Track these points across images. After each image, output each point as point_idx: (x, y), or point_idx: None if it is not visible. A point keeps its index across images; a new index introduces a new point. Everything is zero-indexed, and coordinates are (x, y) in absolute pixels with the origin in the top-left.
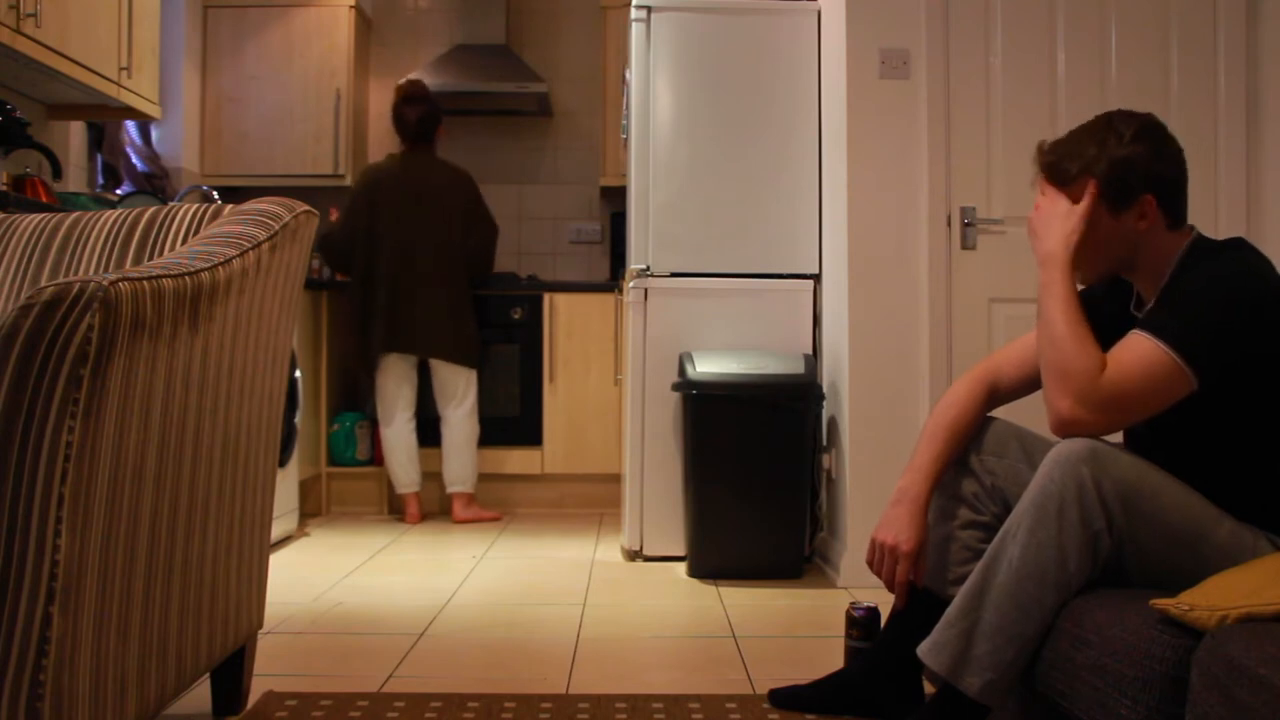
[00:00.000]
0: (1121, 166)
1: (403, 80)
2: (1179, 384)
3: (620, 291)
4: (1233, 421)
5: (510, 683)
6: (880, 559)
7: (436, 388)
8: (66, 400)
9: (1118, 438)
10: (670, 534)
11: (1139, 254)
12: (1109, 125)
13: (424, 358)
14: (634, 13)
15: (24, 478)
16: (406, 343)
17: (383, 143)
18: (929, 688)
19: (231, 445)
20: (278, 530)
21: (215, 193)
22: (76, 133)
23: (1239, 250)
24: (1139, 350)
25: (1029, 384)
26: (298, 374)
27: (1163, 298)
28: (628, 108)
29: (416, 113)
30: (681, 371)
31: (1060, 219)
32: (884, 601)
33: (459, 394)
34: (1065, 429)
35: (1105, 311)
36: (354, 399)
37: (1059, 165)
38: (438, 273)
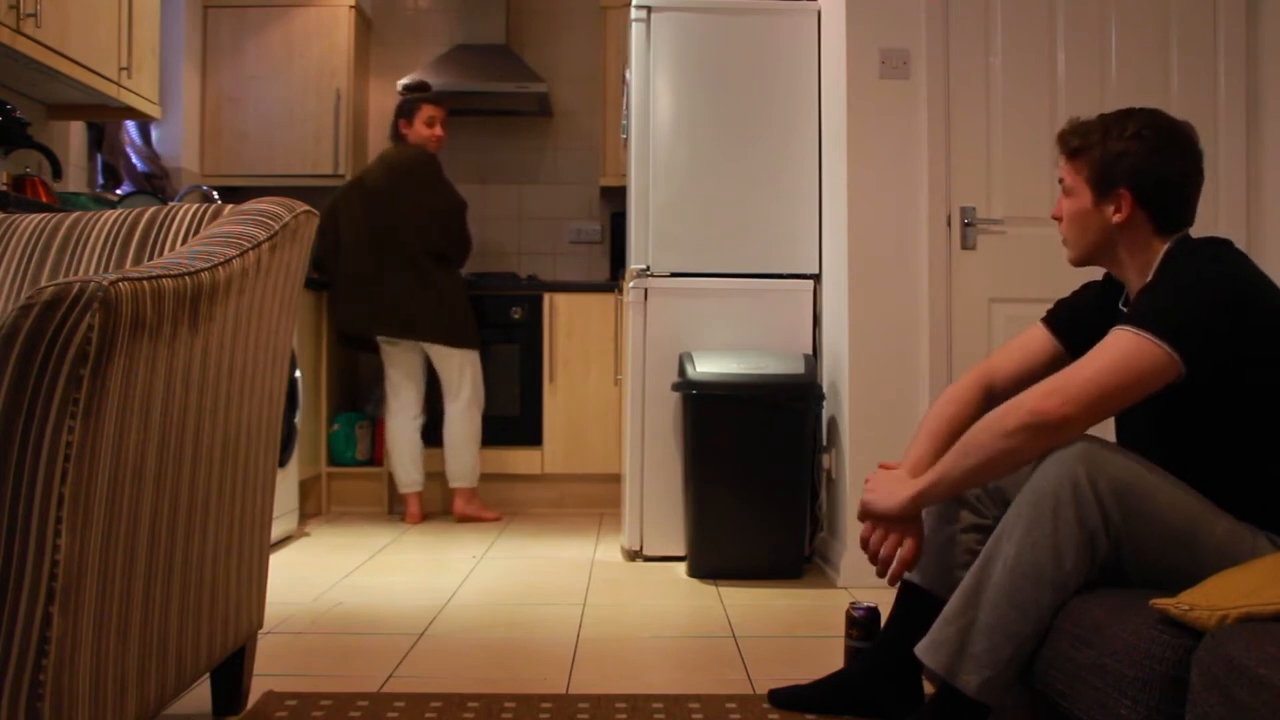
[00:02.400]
0: (1110, 158)
1: None
2: (1163, 366)
3: (620, 291)
4: (1230, 420)
5: (510, 683)
6: (870, 530)
7: (440, 378)
8: (66, 400)
9: (1111, 435)
10: (670, 534)
11: (1119, 248)
12: (1122, 118)
13: (403, 338)
14: (634, 13)
15: (24, 478)
16: (389, 326)
17: (382, 143)
18: (929, 688)
19: (231, 445)
20: (278, 530)
21: (215, 193)
22: (76, 133)
23: (1219, 246)
24: (1114, 339)
25: (1024, 380)
26: (298, 374)
27: (1143, 294)
28: (628, 108)
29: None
30: (681, 371)
31: (894, 484)
32: (884, 602)
33: (454, 381)
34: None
35: (1098, 311)
36: (354, 399)
37: (1070, 137)
38: (410, 256)
